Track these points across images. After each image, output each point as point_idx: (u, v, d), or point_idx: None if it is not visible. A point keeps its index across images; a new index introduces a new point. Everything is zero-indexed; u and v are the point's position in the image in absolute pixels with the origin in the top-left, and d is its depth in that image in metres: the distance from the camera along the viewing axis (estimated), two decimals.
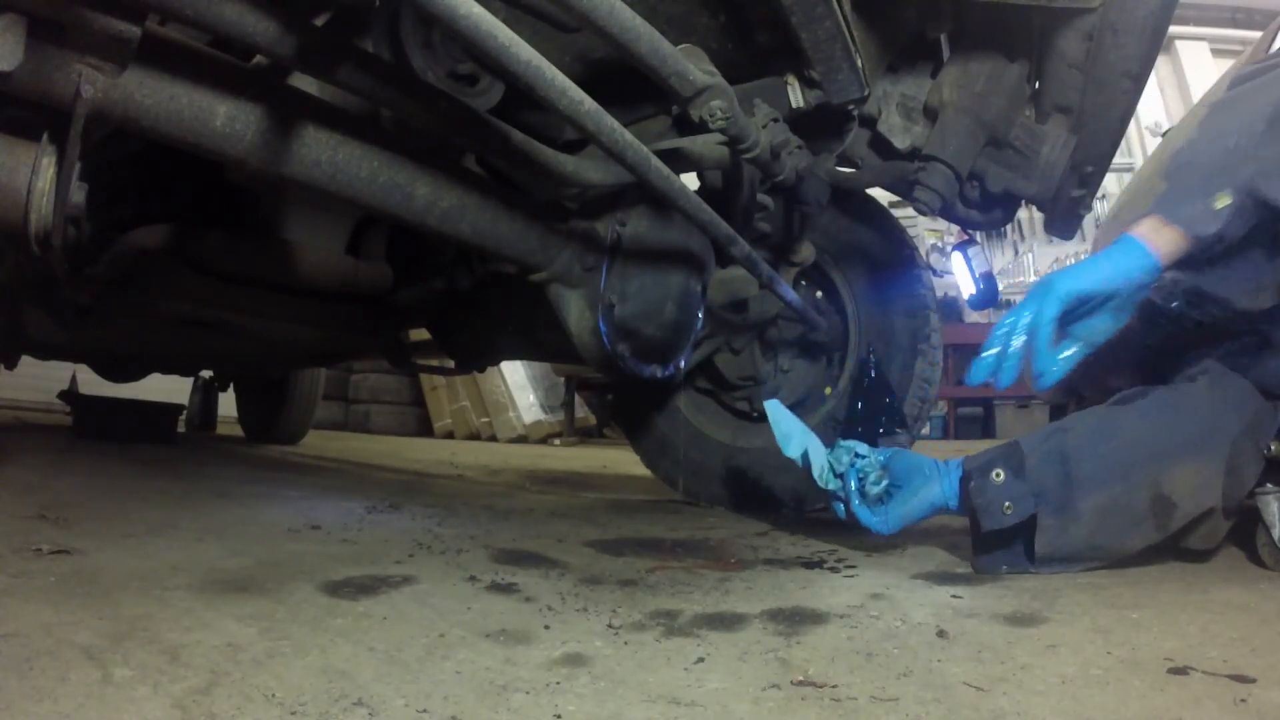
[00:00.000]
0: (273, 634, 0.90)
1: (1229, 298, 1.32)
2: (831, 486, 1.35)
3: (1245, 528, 1.34)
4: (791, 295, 1.78)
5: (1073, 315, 1.23)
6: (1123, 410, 1.31)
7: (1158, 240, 1.22)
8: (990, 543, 1.29)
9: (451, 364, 2.65)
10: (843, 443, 1.38)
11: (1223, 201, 1.17)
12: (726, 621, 1.03)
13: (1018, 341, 1.21)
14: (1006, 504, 1.23)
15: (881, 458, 1.36)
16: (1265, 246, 1.26)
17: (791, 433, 1.41)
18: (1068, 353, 1.25)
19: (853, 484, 1.33)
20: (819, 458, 1.37)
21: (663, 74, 1.00)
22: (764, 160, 1.36)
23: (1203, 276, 1.30)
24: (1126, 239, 1.23)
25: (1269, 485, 1.29)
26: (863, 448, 1.37)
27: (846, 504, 1.34)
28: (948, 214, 1.79)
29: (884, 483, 1.34)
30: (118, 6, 0.84)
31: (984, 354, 1.23)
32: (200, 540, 1.38)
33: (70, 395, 3.39)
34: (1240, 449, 1.24)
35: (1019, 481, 1.24)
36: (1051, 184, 1.68)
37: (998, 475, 1.25)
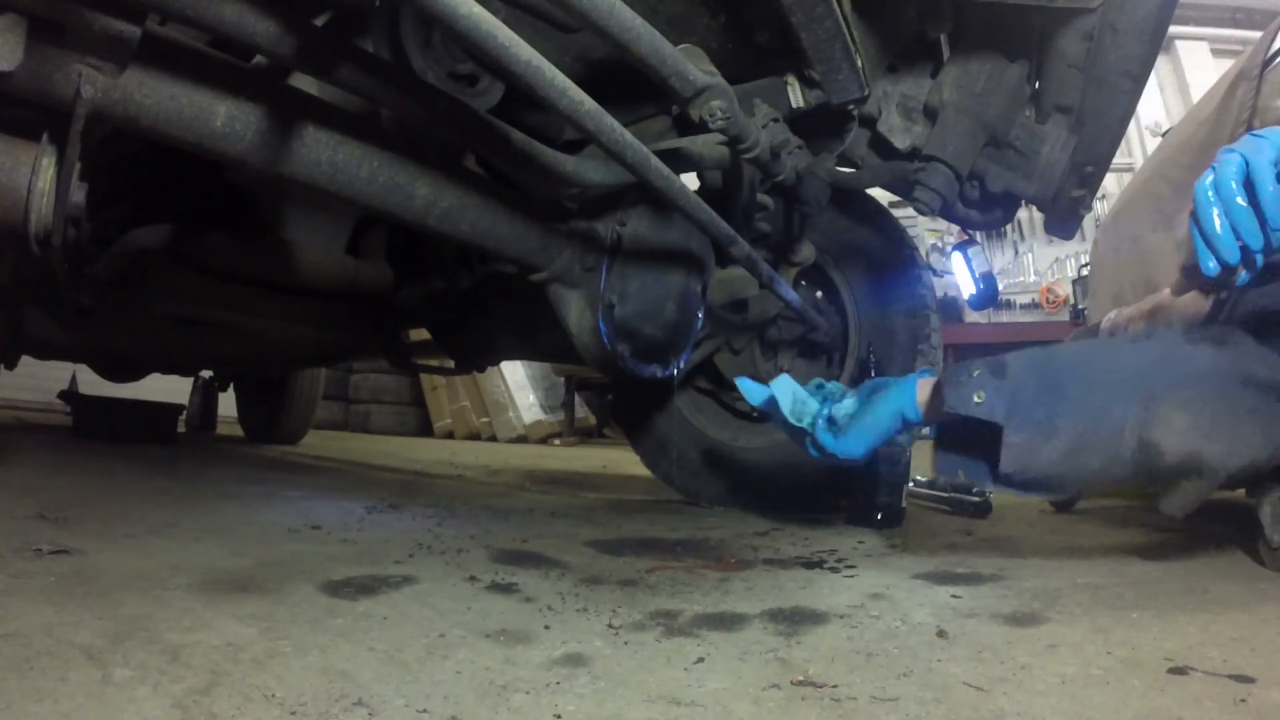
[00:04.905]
0: (273, 634, 0.90)
1: None
2: (805, 423, 1.29)
3: (1245, 528, 1.34)
4: (791, 295, 1.78)
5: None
6: (1121, 342, 1.22)
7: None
8: (954, 444, 1.20)
9: (451, 364, 2.65)
10: (813, 382, 1.34)
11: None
12: (726, 621, 1.03)
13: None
14: (978, 393, 1.12)
15: (855, 390, 1.29)
16: None
17: (755, 388, 1.39)
18: None
19: (821, 417, 1.27)
20: (786, 395, 1.31)
21: (663, 74, 1.00)
22: (764, 160, 1.36)
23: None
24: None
25: (1269, 485, 1.28)
26: (834, 385, 1.33)
27: (815, 438, 1.27)
28: (948, 214, 1.79)
29: (855, 409, 1.26)
30: (118, 6, 0.84)
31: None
32: (200, 540, 1.38)
33: (70, 395, 3.40)
34: (1238, 406, 1.08)
35: (996, 380, 1.13)
36: (1051, 184, 1.68)
37: (975, 371, 1.15)
